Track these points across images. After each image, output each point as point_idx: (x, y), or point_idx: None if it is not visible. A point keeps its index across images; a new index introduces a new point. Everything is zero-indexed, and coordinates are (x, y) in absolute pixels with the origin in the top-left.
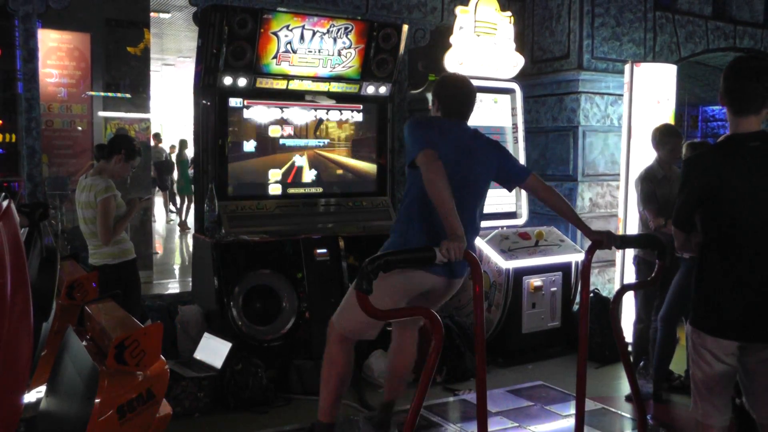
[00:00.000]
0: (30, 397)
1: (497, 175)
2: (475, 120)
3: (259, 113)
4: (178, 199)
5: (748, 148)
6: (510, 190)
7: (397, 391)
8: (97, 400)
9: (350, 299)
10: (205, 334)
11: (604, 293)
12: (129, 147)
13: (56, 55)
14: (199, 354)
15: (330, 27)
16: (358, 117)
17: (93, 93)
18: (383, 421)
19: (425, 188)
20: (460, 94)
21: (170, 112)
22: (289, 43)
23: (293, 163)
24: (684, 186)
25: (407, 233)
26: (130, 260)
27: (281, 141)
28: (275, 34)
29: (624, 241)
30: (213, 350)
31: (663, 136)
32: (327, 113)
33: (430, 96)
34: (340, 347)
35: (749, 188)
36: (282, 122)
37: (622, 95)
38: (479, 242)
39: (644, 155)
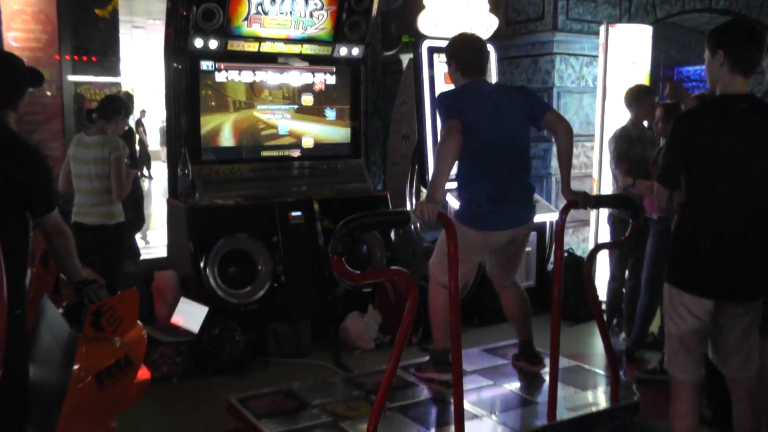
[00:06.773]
0: None
1: (529, 119)
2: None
3: (231, 76)
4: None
5: (738, 109)
6: (538, 129)
7: (525, 331)
8: (75, 367)
9: (439, 247)
10: (182, 299)
11: (579, 253)
12: (126, 107)
13: (20, 18)
14: (176, 319)
15: None
16: (331, 79)
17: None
18: (532, 353)
19: (461, 151)
20: (477, 51)
21: (141, 76)
22: (260, 4)
23: (266, 127)
24: (672, 143)
25: (473, 193)
26: (122, 222)
27: (254, 104)
28: None
29: (598, 201)
30: (190, 315)
31: (636, 95)
32: (300, 75)
33: (403, 57)
34: (435, 288)
35: (735, 149)
36: (254, 85)
37: (597, 56)
38: (453, 203)
39: (619, 116)
